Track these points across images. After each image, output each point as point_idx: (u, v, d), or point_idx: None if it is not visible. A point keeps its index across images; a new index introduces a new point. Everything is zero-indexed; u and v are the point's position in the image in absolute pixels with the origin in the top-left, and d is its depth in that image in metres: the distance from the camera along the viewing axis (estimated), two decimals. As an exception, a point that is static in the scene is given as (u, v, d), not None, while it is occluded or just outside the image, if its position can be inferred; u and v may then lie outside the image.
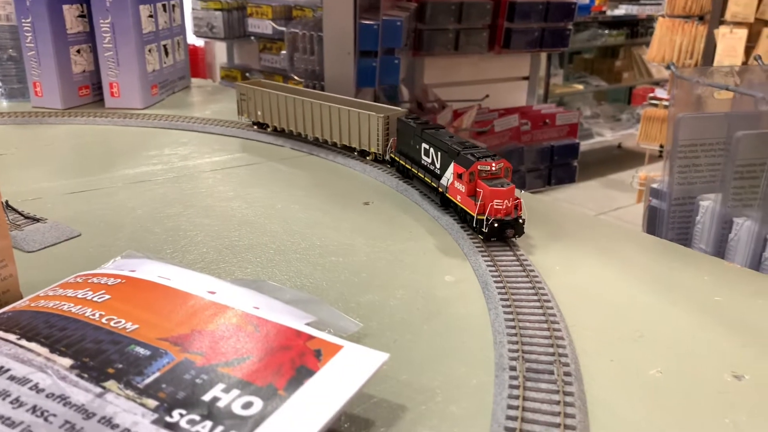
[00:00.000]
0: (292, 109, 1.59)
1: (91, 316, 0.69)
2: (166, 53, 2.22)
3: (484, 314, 0.85)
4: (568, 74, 7.16)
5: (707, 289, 0.95)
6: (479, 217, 0.95)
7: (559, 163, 4.07)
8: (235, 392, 0.58)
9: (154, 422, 0.54)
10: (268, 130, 1.69)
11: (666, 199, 1.32)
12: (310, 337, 0.67)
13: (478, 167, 0.96)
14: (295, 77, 2.41)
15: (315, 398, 0.58)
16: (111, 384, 0.58)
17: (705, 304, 0.90)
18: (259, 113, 1.68)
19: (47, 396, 0.56)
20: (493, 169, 0.97)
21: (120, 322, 0.68)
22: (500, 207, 0.94)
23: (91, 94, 2.09)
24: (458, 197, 1.03)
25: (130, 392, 0.58)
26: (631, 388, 0.71)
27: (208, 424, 0.54)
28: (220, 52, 4.36)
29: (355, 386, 0.60)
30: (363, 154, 1.46)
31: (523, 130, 3.90)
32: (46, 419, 0.54)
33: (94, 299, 0.72)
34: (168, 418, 0.55)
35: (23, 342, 0.64)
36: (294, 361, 0.63)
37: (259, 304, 0.74)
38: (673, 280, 0.99)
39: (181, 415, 0.55)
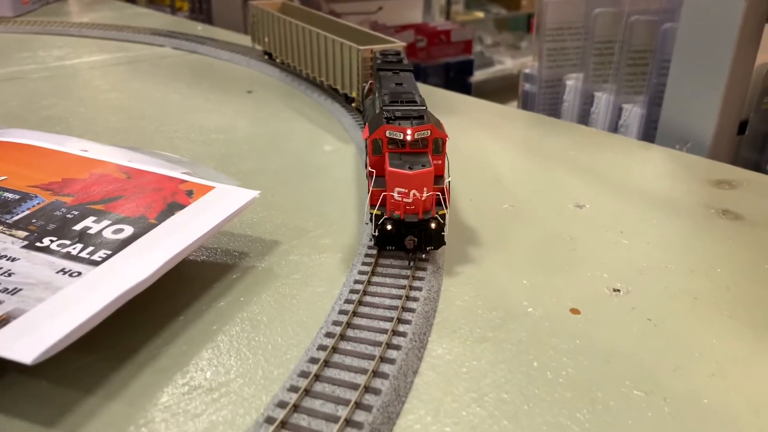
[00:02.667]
0: (289, 36, 1.23)
1: (-45, 172, 0.68)
2: (35, -40, 2.09)
3: (360, 173, 0.90)
4: (469, 2, 7.19)
5: (564, 146, 1.04)
6: (372, 210, 0.63)
7: (455, 79, 4.16)
8: (106, 222, 0.61)
9: (24, 247, 0.56)
10: (277, 61, 1.36)
11: (536, 82, 1.41)
12: (182, 181, 0.70)
13: (386, 133, 0.63)
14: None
15: (185, 224, 0.62)
16: (-21, 221, 0.60)
17: (559, 157, 0.99)
18: (266, 40, 1.37)
19: None
20: (409, 138, 0.62)
21: (-13, 175, 0.68)
22: (402, 200, 0.60)
23: (-47, 3, 1.95)
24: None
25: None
26: (484, 218, 0.78)
27: (79, 245, 0.57)
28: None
29: (224, 214, 0.64)
30: (348, 100, 1.12)
31: (420, 47, 3.94)
32: None
33: (-41, 159, 0.72)
34: (38, 243, 0.57)
35: None
36: (166, 198, 0.66)
37: (132, 159, 0.76)
38: (536, 141, 1.07)
39: (52, 241, 0.57)
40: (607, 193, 0.87)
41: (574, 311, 0.60)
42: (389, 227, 0.62)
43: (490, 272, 0.66)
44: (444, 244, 0.64)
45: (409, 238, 0.62)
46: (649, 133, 1.17)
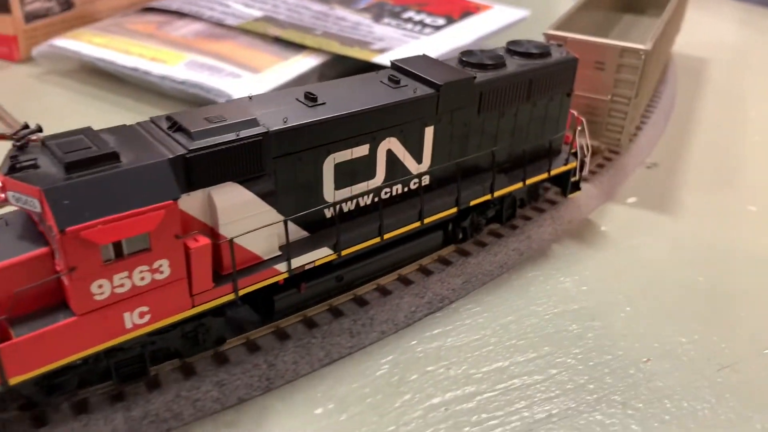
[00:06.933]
0: None
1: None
2: None
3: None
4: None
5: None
6: None
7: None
8: (424, 15, 0.82)
9: (374, 21, 0.79)
10: None
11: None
12: (470, 2, 0.90)
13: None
14: None
15: (476, 24, 0.82)
16: (334, 4, 0.83)
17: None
18: None
19: (291, 7, 0.82)
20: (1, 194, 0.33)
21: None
22: None
23: None
24: None
25: (350, 10, 0.82)
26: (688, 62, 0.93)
27: (410, 24, 0.79)
28: None
29: (503, 22, 0.83)
30: None
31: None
32: None
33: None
34: (382, 20, 0.80)
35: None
36: (461, 8, 0.87)
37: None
38: (745, 20, 1.18)
39: (390, 20, 0.80)
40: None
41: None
42: None
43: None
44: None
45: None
46: None
